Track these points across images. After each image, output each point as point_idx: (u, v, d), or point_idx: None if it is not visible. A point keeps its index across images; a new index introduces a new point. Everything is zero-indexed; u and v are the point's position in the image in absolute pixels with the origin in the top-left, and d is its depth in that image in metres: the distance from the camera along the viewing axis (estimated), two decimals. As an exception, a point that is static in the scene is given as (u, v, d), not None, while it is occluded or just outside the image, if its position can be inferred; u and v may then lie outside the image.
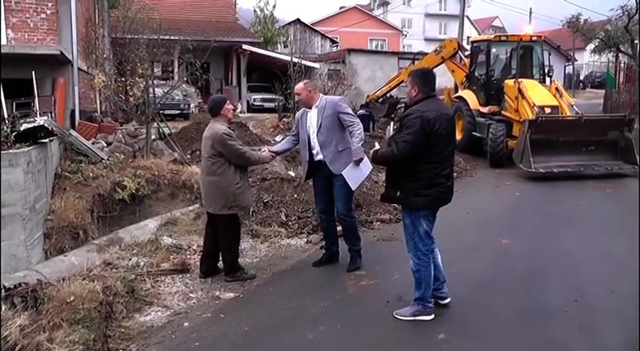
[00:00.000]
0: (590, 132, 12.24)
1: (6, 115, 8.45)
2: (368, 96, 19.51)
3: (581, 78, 47.03)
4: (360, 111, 17.88)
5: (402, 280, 5.70)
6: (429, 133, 4.54)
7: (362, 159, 5.85)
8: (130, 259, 6.40)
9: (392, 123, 16.41)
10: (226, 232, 6.08)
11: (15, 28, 11.10)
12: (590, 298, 5.40)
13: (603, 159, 12.19)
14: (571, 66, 39.75)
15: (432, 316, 4.83)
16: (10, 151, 6.72)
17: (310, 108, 6.12)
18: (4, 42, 10.93)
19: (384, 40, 52.65)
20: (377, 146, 5.07)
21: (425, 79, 4.83)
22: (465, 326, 4.80)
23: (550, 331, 4.71)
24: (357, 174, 5.91)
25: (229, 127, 5.99)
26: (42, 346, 4.14)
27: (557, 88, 13.52)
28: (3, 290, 4.68)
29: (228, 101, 6.21)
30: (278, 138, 15.80)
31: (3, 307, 4.44)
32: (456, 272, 6.04)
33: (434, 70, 17.37)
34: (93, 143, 10.50)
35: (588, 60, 45.09)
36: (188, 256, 6.80)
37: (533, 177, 11.72)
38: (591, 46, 31.88)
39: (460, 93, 15.87)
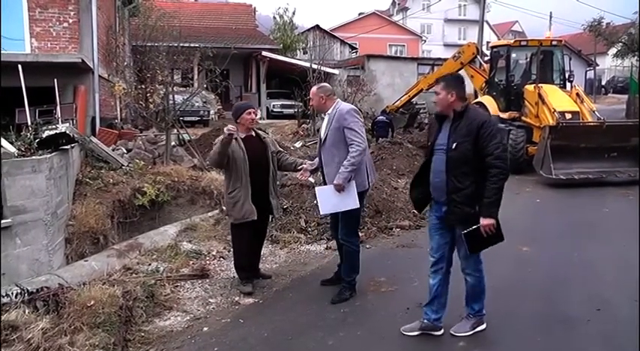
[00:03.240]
0: (612, 138, 12.08)
1: (29, 122, 8.58)
2: (387, 106, 19.42)
3: (603, 83, 46.56)
4: (380, 117, 17.80)
5: (422, 287, 5.66)
6: None
7: (342, 186, 5.30)
8: (150, 265, 6.44)
9: None
10: (232, 238, 6.20)
11: (38, 37, 11.28)
12: (612, 308, 5.31)
13: (626, 166, 12.02)
14: (592, 71, 39.35)
15: (485, 324, 4.77)
16: (33, 157, 6.81)
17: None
18: (28, 51, 11.11)
19: (404, 45, 52.56)
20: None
21: (461, 83, 4.63)
22: (485, 335, 4.75)
23: (572, 341, 4.65)
24: (334, 201, 5.40)
25: (235, 138, 5.72)
26: (63, 349, 4.19)
27: (577, 94, 13.38)
28: (26, 294, 4.76)
29: (249, 110, 5.98)
30: (297, 144, 15.85)
31: (26, 311, 4.50)
32: (476, 279, 6.00)
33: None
34: (113, 150, 10.60)
35: (610, 64, 44.65)
36: (208, 262, 6.83)
37: (554, 184, 11.60)
38: (614, 50, 31.52)
39: (480, 99, 15.76)
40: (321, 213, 5.64)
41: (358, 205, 5.42)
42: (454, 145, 4.45)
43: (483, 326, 4.75)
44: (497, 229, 4.41)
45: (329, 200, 5.44)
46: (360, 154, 5.32)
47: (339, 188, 5.33)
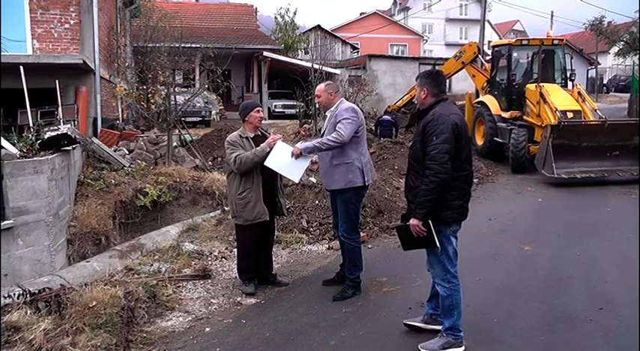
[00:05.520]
0: (614, 137, 12.08)
1: (31, 124, 8.58)
2: (389, 106, 19.42)
3: (605, 82, 46.49)
4: (385, 116, 17.79)
5: (424, 287, 5.65)
6: (458, 137, 4.19)
7: (299, 152, 5.41)
8: (152, 265, 6.45)
9: None
10: (237, 240, 6.21)
11: (40, 38, 11.29)
12: (615, 307, 5.31)
13: (628, 164, 12.00)
14: (594, 70, 39.30)
15: (463, 348, 4.38)
16: (35, 158, 6.82)
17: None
18: (30, 52, 11.13)
19: (405, 45, 52.55)
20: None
21: (434, 80, 4.46)
22: (487, 334, 4.75)
23: (575, 340, 4.64)
24: (282, 161, 5.49)
25: (245, 137, 5.80)
26: (65, 350, 4.19)
27: (579, 93, 13.39)
28: (28, 295, 4.76)
29: (257, 108, 5.97)
30: (299, 144, 15.83)
31: (28, 312, 4.51)
32: (479, 279, 6.01)
33: (456, 74, 17.34)
34: (115, 150, 10.60)
35: (612, 63, 44.59)
36: (209, 262, 6.84)
37: (556, 183, 11.60)
38: (615, 48, 31.49)
39: (481, 98, 15.78)
40: (265, 163, 5.57)
41: (297, 181, 5.51)
42: (411, 143, 4.50)
43: (459, 349, 4.37)
44: (428, 234, 4.23)
45: (280, 157, 5.53)
46: (335, 143, 5.35)
47: (296, 153, 5.43)
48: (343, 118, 5.42)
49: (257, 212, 5.74)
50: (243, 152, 5.64)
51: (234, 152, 5.65)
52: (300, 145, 5.41)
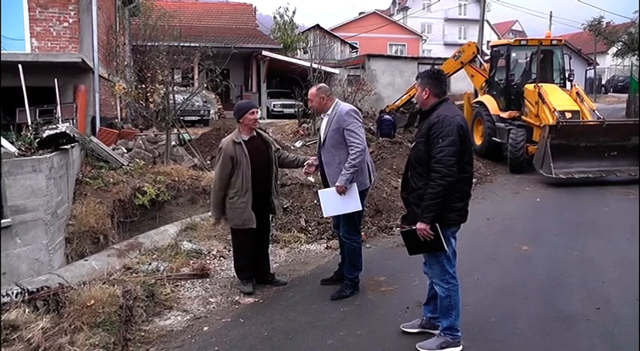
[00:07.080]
0: (612, 137, 12.10)
1: (29, 122, 8.57)
2: (387, 106, 19.42)
3: (603, 82, 46.58)
4: (386, 116, 17.78)
5: (421, 287, 5.65)
6: (463, 140, 4.16)
7: (344, 188, 5.31)
8: (150, 264, 6.44)
9: None
10: (232, 240, 6.18)
11: (39, 36, 11.28)
12: (613, 307, 5.32)
13: (626, 165, 12.03)
14: (592, 70, 39.32)
15: (461, 348, 4.38)
16: (34, 157, 6.81)
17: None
18: (28, 50, 11.11)
19: (404, 45, 52.61)
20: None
21: (436, 80, 4.38)
22: (485, 334, 4.75)
23: (572, 340, 4.65)
24: (336, 203, 5.41)
25: (238, 142, 5.69)
26: (64, 349, 4.19)
27: (577, 93, 13.39)
28: (27, 293, 4.76)
29: (252, 110, 5.83)
30: (298, 144, 15.84)
31: (26, 310, 4.51)
32: (477, 279, 6.02)
33: (454, 74, 17.33)
34: (113, 149, 10.58)
35: (610, 64, 44.68)
36: (208, 261, 6.84)
37: (554, 183, 11.61)
38: (614, 49, 31.52)
39: (480, 98, 15.78)
40: (325, 215, 5.73)
41: (360, 208, 5.43)
42: (413, 144, 4.45)
43: (457, 349, 4.37)
44: (436, 237, 4.19)
45: (332, 202, 5.46)
46: (360, 155, 5.32)
47: (341, 190, 5.34)
48: (349, 126, 5.36)
49: (244, 219, 5.69)
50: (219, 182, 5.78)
51: (218, 167, 5.79)
52: (339, 181, 5.31)
